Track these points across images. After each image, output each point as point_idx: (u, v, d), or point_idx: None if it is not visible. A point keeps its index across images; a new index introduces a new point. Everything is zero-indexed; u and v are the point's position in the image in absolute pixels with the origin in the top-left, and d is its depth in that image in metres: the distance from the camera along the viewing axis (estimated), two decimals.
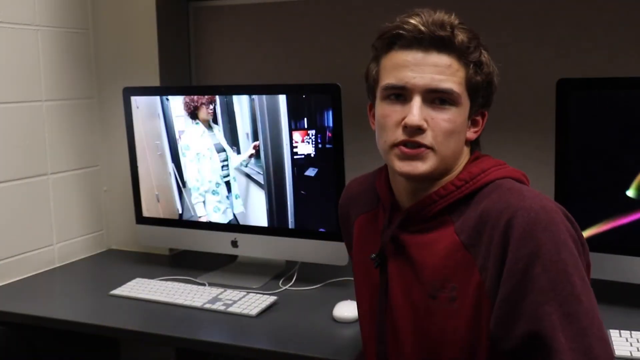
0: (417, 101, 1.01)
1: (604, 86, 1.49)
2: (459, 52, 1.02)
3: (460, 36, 1.02)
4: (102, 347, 2.08)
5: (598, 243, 1.51)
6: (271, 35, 2.16)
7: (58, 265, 2.08)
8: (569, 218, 1.00)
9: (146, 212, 2.04)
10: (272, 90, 1.79)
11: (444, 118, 1.02)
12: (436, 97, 1.02)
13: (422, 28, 1.01)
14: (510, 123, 1.90)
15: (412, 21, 1.02)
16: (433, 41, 1.01)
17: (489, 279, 0.99)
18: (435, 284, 1.05)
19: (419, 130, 1.01)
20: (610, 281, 1.54)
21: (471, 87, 1.04)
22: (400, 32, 1.03)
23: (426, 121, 1.01)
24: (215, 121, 1.88)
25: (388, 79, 1.04)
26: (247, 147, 1.85)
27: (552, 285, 0.93)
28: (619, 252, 1.52)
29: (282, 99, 1.76)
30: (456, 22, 1.03)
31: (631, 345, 1.34)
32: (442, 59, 1.02)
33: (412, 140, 1.02)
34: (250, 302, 1.67)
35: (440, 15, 1.03)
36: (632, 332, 1.40)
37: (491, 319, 0.98)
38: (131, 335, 1.65)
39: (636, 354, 1.31)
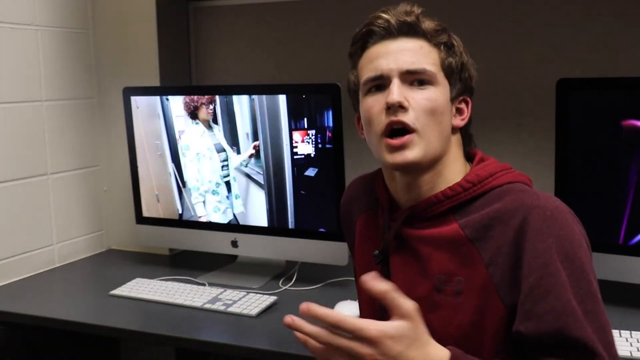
0: (395, 82, 1.03)
1: (604, 86, 1.49)
2: (427, 36, 1.06)
3: (427, 22, 1.07)
4: (102, 347, 2.08)
5: (598, 243, 1.51)
6: (271, 35, 2.16)
7: (58, 265, 2.08)
8: (579, 221, 1.02)
9: (146, 212, 2.04)
10: (272, 90, 1.79)
11: (424, 97, 1.04)
12: (414, 79, 1.04)
13: (390, 19, 1.06)
14: (510, 123, 1.90)
15: (381, 15, 1.07)
16: (401, 28, 1.06)
17: (498, 275, 0.99)
18: (442, 277, 1.05)
19: (401, 108, 1.02)
20: (610, 281, 1.54)
21: (446, 67, 1.07)
22: (370, 28, 1.07)
23: (407, 101, 1.03)
24: (215, 121, 1.88)
25: (366, 74, 1.07)
26: (247, 147, 1.85)
27: (572, 282, 0.94)
28: (619, 252, 1.52)
29: (282, 99, 1.76)
30: (419, 11, 1.08)
31: (631, 345, 1.35)
32: (412, 43, 1.06)
33: (395, 120, 1.03)
34: (250, 302, 1.67)
35: (404, 6, 1.08)
36: (632, 332, 1.40)
37: (516, 318, 0.97)
38: (131, 335, 1.65)
39: (636, 354, 1.32)
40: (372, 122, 1.06)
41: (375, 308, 1.18)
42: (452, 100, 1.08)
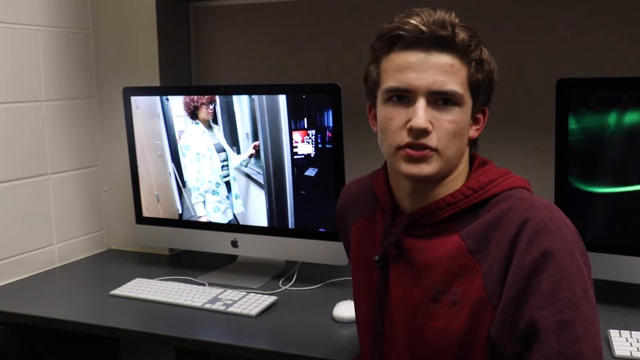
0: (421, 103, 1.00)
1: (604, 86, 1.49)
2: (460, 51, 1.01)
3: (461, 35, 1.01)
4: (102, 347, 2.08)
5: (598, 243, 1.51)
6: (271, 35, 2.16)
7: (58, 265, 2.08)
8: (575, 230, 1.01)
9: (146, 212, 2.04)
10: (272, 90, 1.79)
11: (448, 119, 1.01)
12: (439, 98, 1.01)
13: (423, 28, 1.00)
14: (510, 123, 1.90)
15: (412, 21, 1.01)
16: (434, 41, 1.00)
17: (491, 283, 1.00)
18: (439, 287, 1.05)
19: (425, 132, 1.00)
20: (610, 281, 1.54)
21: (473, 85, 1.04)
22: (401, 32, 1.01)
23: (431, 123, 1.01)
24: (215, 121, 1.88)
25: (390, 81, 1.03)
26: (247, 147, 1.85)
27: (552, 291, 0.94)
28: (619, 252, 1.52)
29: (282, 99, 1.76)
30: (456, 20, 1.02)
31: (631, 345, 1.35)
32: (444, 59, 1.01)
33: (418, 142, 1.01)
34: (250, 302, 1.67)
35: (440, 15, 1.01)
36: (632, 332, 1.40)
37: (493, 325, 0.99)
38: (131, 335, 1.65)
39: (636, 354, 1.31)
40: (391, 134, 1.04)
41: (371, 311, 1.17)
42: (472, 114, 1.07)
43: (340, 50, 2.04)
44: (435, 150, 1.02)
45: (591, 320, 0.95)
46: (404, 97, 1.02)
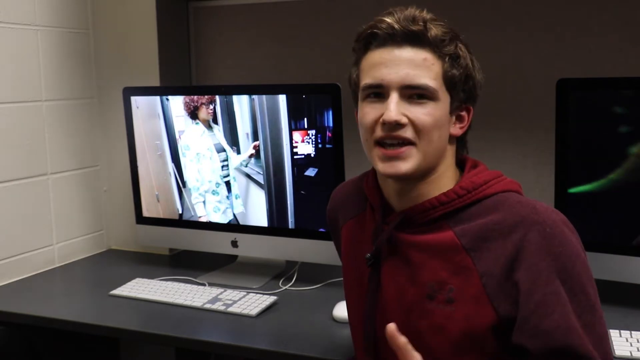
0: (394, 97, 1.02)
1: (604, 86, 1.49)
2: (433, 46, 1.03)
3: (434, 30, 1.03)
4: (102, 347, 2.08)
5: (598, 243, 1.51)
6: (271, 35, 2.16)
7: (58, 265, 2.08)
8: (575, 230, 1.03)
9: (146, 212, 2.04)
10: (272, 90, 1.79)
11: (423, 112, 1.02)
12: (413, 93, 1.02)
13: (395, 25, 1.02)
14: (510, 123, 1.90)
15: (386, 19, 1.03)
16: (406, 36, 1.02)
17: (493, 285, 1.00)
18: (433, 284, 1.05)
19: (398, 125, 1.01)
20: (610, 281, 1.54)
21: (448, 80, 1.04)
22: (375, 31, 1.04)
23: (406, 117, 1.02)
24: (215, 121, 1.88)
25: (366, 79, 1.06)
26: (247, 147, 1.85)
27: (572, 297, 0.96)
28: (619, 252, 1.52)
29: (282, 99, 1.76)
30: (428, 16, 1.04)
31: (631, 345, 1.35)
32: (416, 54, 1.02)
33: (393, 135, 1.02)
34: (250, 302, 1.67)
35: (411, 11, 1.04)
36: (632, 332, 1.40)
37: (514, 333, 0.98)
38: (131, 335, 1.65)
39: (636, 354, 1.31)
40: (367, 130, 1.06)
41: (363, 314, 1.17)
42: (452, 111, 1.07)
43: (340, 50, 2.04)
44: (412, 143, 1.02)
45: (603, 317, 0.98)
46: (379, 93, 1.04)
